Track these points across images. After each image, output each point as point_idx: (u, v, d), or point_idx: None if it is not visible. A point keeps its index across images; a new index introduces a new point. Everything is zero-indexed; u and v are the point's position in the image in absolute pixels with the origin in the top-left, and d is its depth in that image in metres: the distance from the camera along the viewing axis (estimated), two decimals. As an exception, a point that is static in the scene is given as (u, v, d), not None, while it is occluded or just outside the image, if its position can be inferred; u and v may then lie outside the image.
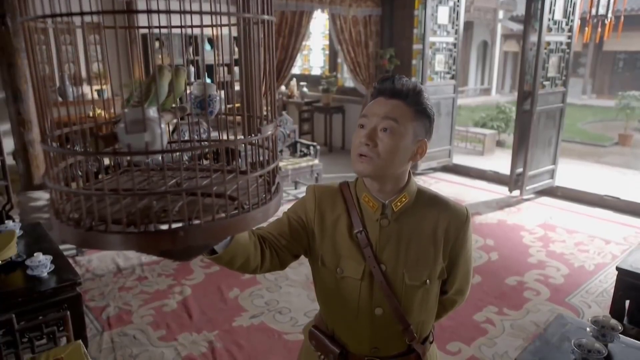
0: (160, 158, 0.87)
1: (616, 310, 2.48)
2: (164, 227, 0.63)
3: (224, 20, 0.72)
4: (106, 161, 0.84)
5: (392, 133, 1.07)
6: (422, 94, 1.11)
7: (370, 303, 1.16)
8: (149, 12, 0.60)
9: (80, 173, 0.76)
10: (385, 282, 1.14)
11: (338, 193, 1.21)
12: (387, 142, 1.07)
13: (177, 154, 0.76)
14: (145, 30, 0.81)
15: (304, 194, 1.25)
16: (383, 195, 1.15)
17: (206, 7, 0.64)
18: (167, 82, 0.75)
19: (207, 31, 0.76)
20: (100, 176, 0.81)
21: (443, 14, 5.92)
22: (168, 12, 0.60)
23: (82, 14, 0.58)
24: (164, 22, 0.74)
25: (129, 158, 0.86)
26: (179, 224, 0.63)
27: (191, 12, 0.62)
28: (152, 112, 0.69)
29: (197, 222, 0.64)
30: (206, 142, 0.76)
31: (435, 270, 1.17)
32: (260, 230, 1.18)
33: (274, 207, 0.73)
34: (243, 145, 0.73)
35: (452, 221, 1.17)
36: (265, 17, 0.70)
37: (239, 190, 0.72)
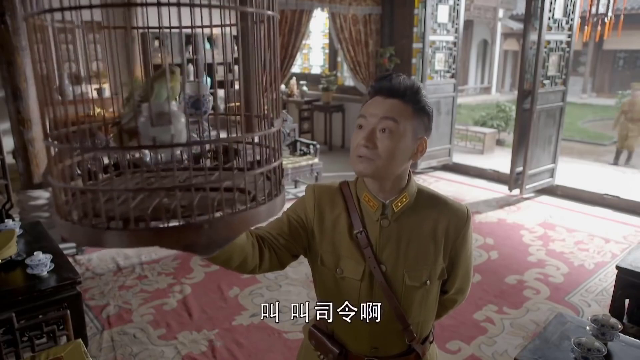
0: (175, 154, 0.87)
1: (616, 308, 2.48)
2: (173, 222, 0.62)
3: (226, 15, 0.72)
4: (106, 159, 0.84)
5: (391, 133, 1.06)
6: (420, 91, 1.10)
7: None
8: (147, 4, 0.59)
9: (92, 170, 0.76)
10: (385, 282, 1.13)
11: (338, 192, 1.20)
12: (387, 142, 1.06)
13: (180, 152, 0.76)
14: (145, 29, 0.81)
15: (304, 193, 1.24)
16: (383, 195, 1.14)
17: (206, 3, 0.63)
18: (171, 82, 0.75)
19: (207, 30, 0.76)
20: (109, 174, 0.80)
21: (443, 13, 5.91)
22: (168, 4, 0.59)
23: (80, 7, 0.57)
24: (165, 19, 0.74)
25: (136, 155, 0.85)
26: (188, 219, 0.63)
27: (192, 5, 0.61)
28: (175, 106, 0.68)
29: (218, 215, 0.64)
30: (219, 139, 0.76)
31: (435, 271, 1.17)
32: (259, 230, 1.17)
33: (281, 201, 0.74)
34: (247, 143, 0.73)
35: (452, 221, 1.16)
36: (269, 12, 0.70)
37: (250, 185, 0.73)
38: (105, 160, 0.83)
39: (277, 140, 0.74)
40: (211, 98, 0.80)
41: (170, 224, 0.62)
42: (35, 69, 0.64)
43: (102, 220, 0.62)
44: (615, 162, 7.61)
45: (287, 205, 1.26)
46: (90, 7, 0.57)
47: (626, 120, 7.46)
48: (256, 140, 0.74)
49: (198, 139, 0.83)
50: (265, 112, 0.74)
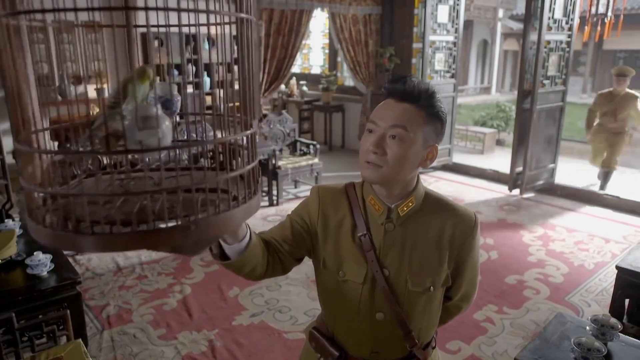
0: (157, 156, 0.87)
1: (616, 308, 2.48)
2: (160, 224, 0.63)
3: (212, 18, 0.72)
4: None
5: (401, 140, 1.03)
6: (434, 96, 1.05)
7: (371, 307, 1.14)
8: (126, 8, 0.60)
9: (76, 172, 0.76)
10: (387, 287, 1.12)
11: (343, 194, 1.18)
12: (396, 150, 1.03)
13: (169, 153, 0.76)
14: (142, 29, 0.81)
15: (308, 195, 1.23)
16: (390, 198, 1.12)
17: (189, 4, 0.63)
18: (148, 83, 0.74)
19: (205, 30, 0.76)
20: (79, 177, 0.79)
21: (443, 13, 5.92)
22: (146, 9, 0.60)
23: (60, 9, 0.57)
24: (152, 21, 0.74)
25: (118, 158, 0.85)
26: (174, 221, 0.63)
27: (167, 9, 0.61)
28: (159, 109, 0.68)
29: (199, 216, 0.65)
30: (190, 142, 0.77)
31: (439, 277, 1.15)
32: (265, 235, 1.16)
33: (257, 202, 0.76)
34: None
35: (458, 227, 1.14)
36: (242, 15, 0.70)
37: (230, 187, 0.74)
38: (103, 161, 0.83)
39: (251, 143, 0.74)
40: (179, 98, 0.81)
41: (156, 227, 0.62)
42: (7, 70, 0.63)
43: (74, 224, 0.62)
44: (603, 186, 5.38)
45: (287, 204, 1.26)
46: (69, 10, 0.57)
47: (605, 122, 5.13)
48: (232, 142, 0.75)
49: (178, 142, 0.84)
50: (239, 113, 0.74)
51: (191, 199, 0.66)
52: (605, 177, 5.34)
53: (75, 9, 0.56)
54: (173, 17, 0.67)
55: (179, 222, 0.62)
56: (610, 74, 4.95)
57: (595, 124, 5.24)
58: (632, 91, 5.04)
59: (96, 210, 0.65)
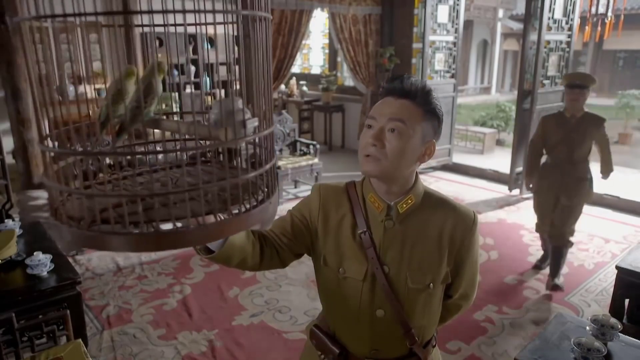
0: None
1: (615, 308, 2.48)
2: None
3: (220, 17, 0.72)
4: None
5: (399, 134, 1.05)
6: (431, 93, 1.09)
7: (371, 305, 1.15)
8: (134, 12, 0.60)
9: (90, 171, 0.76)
10: (387, 284, 1.13)
11: (344, 192, 1.20)
12: (395, 143, 1.05)
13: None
14: (145, 29, 0.81)
15: (310, 193, 1.24)
16: (389, 196, 1.14)
17: (202, 5, 0.64)
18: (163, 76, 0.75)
19: (208, 30, 0.76)
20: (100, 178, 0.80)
21: (443, 13, 5.92)
22: (164, 12, 0.60)
23: (65, 14, 0.57)
24: (162, 20, 0.74)
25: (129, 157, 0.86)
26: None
27: (182, 11, 0.61)
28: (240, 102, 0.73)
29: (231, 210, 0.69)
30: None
31: (439, 275, 1.16)
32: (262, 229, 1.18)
33: (276, 199, 0.80)
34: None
35: (458, 225, 1.15)
36: (260, 13, 0.70)
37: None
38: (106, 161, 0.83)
39: (270, 142, 0.76)
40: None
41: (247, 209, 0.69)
42: (28, 71, 0.63)
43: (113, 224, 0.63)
44: (554, 273, 3.29)
45: (287, 204, 1.27)
46: (77, 15, 0.57)
47: (556, 160, 3.23)
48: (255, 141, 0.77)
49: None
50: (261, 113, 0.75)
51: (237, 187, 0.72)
52: (555, 254, 3.27)
53: (85, 14, 0.57)
54: (189, 17, 0.68)
55: (261, 201, 0.71)
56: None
57: (542, 163, 3.37)
58: (594, 112, 3.16)
59: (134, 209, 0.66)
